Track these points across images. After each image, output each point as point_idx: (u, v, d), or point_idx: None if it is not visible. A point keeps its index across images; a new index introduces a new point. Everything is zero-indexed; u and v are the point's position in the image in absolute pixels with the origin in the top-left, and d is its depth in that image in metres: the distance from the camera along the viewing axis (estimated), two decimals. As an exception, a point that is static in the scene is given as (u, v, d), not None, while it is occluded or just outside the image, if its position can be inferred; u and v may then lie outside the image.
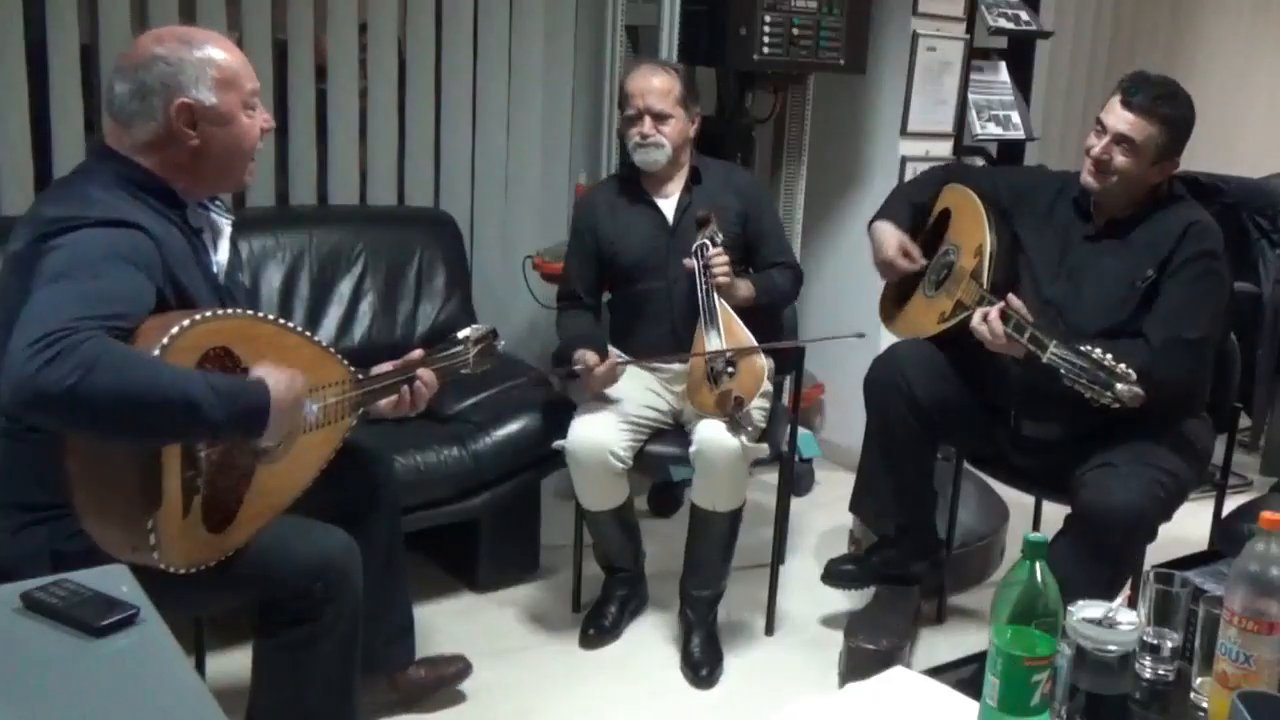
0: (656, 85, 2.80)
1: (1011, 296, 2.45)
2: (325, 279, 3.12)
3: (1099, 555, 2.32)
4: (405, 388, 2.16)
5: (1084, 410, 2.48)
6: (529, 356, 3.46)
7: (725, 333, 2.68)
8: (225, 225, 2.03)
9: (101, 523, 1.72)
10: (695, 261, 2.71)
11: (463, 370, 2.33)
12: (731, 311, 2.72)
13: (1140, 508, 2.32)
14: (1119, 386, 2.16)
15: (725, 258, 2.71)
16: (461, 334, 2.36)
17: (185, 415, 1.63)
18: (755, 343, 2.69)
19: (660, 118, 2.80)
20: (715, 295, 2.70)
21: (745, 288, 2.80)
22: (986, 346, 2.46)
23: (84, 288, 1.66)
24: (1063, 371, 2.23)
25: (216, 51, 1.89)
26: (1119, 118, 2.44)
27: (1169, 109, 2.43)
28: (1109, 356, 2.19)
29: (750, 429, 2.63)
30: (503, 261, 3.75)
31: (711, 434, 2.62)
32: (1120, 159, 2.45)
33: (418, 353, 2.24)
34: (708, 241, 2.72)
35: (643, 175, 2.91)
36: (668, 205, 2.90)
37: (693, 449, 2.66)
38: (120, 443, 1.67)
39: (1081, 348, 2.23)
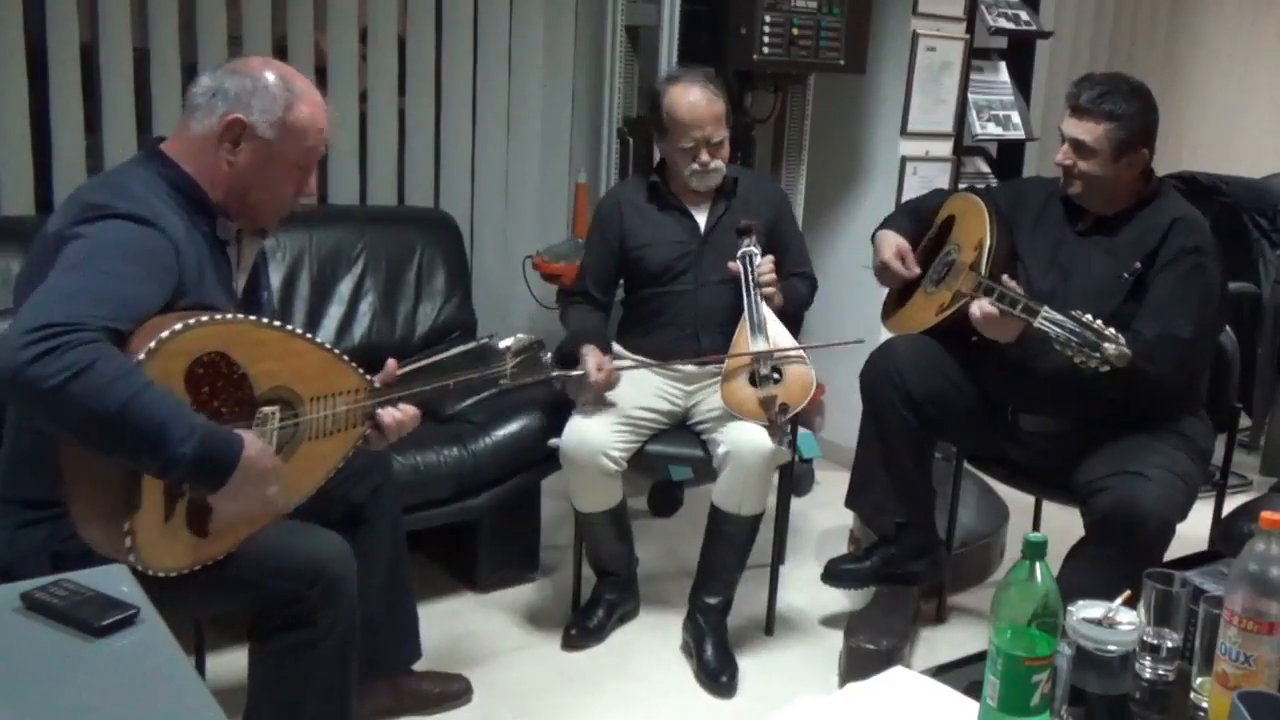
0: (714, 114, 2.75)
1: (1005, 277, 2.48)
2: (325, 279, 3.12)
3: (1130, 561, 2.29)
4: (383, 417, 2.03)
5: (1082, 404, 2.51)
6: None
7: (772, 340, 2.68)
8: (256, 244, 2.03)
9: (85, 518, 1.71)
10: (742, 268, 2.71)
11: (500, 382, 2.22)
12: (778, 320, 2.72)
13: (1168, 511, 2.34)
14: (1106, 346, 2.20)
15: (771, 267, 2.72)
16: (502, 344, 2.23)
17: (151, 444, 1.62)
18: (800, 349, 2.69)
19: (718, 145, 2.79)
20: (762, 302, 2.71)
21: (778, 297, 2.81)
22: (984, 332, 2.48)
23: (95, 282, 1.66)
24: (1053, 336, 2.27)
25: (301, 103, 1.91)
26: (1069, 125, 2.54)
27: (1112, 105, 2.48)
28: (1098, 321, 2.24)
29: (786, 435, 2.63)
30: (503, 261, 3.75)
31: (744, 435, 2.62)
32: (1082, 163, 2.52)
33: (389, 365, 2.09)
34: (756, 250, 2.73)
35: (673, 180, 2.89)
36: (700, 212, 2.88)
37: (721, 450, 2.66)
38: (87, 450, 1.66)
39: (1072, 312, 2.27)
